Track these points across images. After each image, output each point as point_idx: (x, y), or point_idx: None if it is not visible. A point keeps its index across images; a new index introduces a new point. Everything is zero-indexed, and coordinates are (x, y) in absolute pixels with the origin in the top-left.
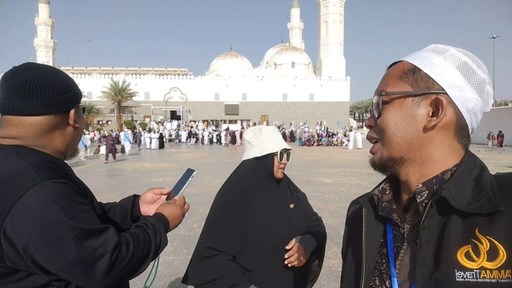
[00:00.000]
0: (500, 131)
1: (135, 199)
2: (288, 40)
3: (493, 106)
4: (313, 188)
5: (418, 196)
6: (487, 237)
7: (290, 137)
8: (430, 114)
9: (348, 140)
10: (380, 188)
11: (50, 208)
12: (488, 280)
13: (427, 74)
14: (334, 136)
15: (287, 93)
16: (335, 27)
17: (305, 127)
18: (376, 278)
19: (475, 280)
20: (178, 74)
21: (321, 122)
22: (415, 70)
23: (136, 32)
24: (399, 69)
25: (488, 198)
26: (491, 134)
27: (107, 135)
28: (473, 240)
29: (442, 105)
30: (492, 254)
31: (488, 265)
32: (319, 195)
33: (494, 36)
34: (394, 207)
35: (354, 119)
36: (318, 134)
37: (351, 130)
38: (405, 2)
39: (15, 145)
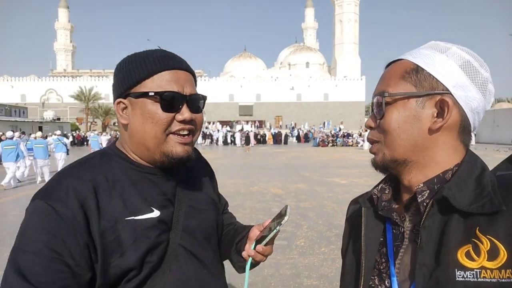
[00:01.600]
0: None
1: (248, 232)
2: (302, 40)
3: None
4: (327, 189)
5: (419, 196)
6: (488, 236)
7: (304, 138)
8: (435, 115)
9: (363, 141)
10: (380, 187)
11: (19, 238)
12: (489, 280)
13: (430, 74)
14: (349, 136)
15: (301, 93)
16: (350, 26)
17: (321, 127)
18: (376, 277)
19: (475, 279)
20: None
21: (340, 128)
22: (417, 69)
23: (153, 34)
24: (400, 68)
25: (489, 198)
26: None
27: (111, 136)
28: (474, 239)
29: (448, 106)
30: (493, 254)
31: (489, 264)
32: (333, 195)
33: None
34: (394, 206)
35: None
36: (332, 135)
37: (366, 130)
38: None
39: (112, 144)
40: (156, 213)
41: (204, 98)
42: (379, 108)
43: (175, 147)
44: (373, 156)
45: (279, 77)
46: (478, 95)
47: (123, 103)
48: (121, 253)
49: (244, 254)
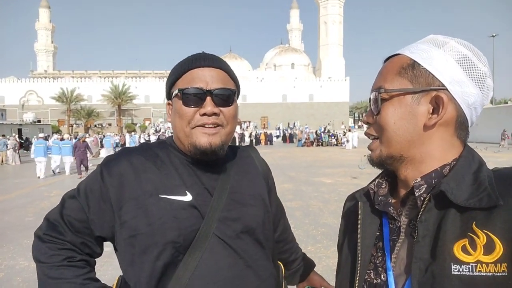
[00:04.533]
0: None
1: (310, 270)
2: (287, 42)
3: (492, 104)
4: (313, 188)
5: (417, 190)
6: (484, 231)
7: (289, 138)
8: (431, 111)
9: (347, 141)
10: (376, 182)
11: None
12: (484, 274)
13: (426, 70)
14: (334, 136)
15: (287, 94)
16: (334, 28)
17: (306, 128)
18: (371, 271)
19: (471, 273)
20: None
21: (325, 128)
22: (414, 65)
23: (135, 35)
24: (397, 64)
25: (487, 193)
26: (506, 133)
27: (79, 139)
28: (470, 234)
29: (443, 102)
30: (489, 248)
31: (485, 258)
32: (319, 195)
33: (494, 35)
34: (391, 201)
35: (354, 119)
36: (317, 134)
37: (349, 131)
38: (403, 1)
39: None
40: (189, 197)
41: (233, 91)
42: (376, 104)
43: (199, 138)
44: (369, 152)
45: (264, 78)
46: (475, 90)
47: (170, 103)
48: (148, 224)
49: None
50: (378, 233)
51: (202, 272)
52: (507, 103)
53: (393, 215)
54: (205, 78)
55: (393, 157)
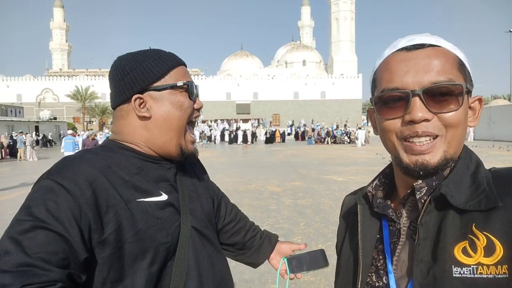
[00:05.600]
0: None
1: (275, 242)
2: (299, 39)
3: (510, 102)
4: (325, 186)
5: (418, 192)
6: (484, 232)
7: (301, 136)
8: (471, 113)
9: (357, 138)
10: (374, 184)
11: (21, 207)
12: (485, 276)
13: (469, 71)
14: (347, 134)
15: (298, 92)
16: (346, 25)
17: (318, 125)
18: (373, 274)
19: (472, 276)
20: (191, 74)
21: (337, 126)
22: (462, 63)
23: (149, 33)
24: (451, 57)
25: (485, 194)
26: None
27: (87, 137)
28: (470, 236)
29: (482, 106)
30: (489, 250)
31: (485, 260)
32: (330, 193)
33: (510, 30)
34: (389, 203)
35: (367, 116)
36: (329, 132)
37: (360, 128)
38: None
39: (109, 139)
40: (164, 197)
41: (197, 87)
42: (452, 97)
43: (188, 144)
44: (419, 156)
45: (276, 75)
46: None
47: (141, 98)
48: (135, 231)
49: (274, 263)
50: (378, 236)
51: (193, 269)
52: None
53: (392, 217)
54: (188, 75)
55: (452, 160)
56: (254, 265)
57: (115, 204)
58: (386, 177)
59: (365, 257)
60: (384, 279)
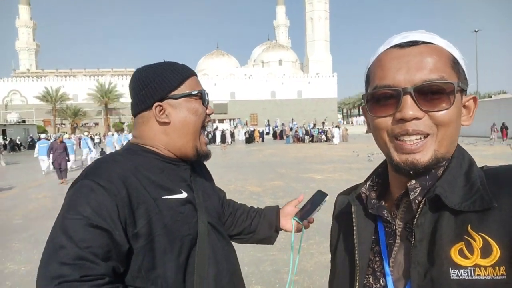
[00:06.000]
0: (503, 123)
1: (278, 211)
2: (274, 38)
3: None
4: (304, 184)
5: (412, 193)
6: (480, 233)
7: (280, 135)
8: (464, 112)
9: (333, 137)
10: (368, 185)
11: (65, 205)
12: (483, 278)
13: (463, 69)
14: (324, 132)
15: (275, 91)
16: (320, 24)
17: (295, 124)
18: (370, 276)
19: (470, 277)
20: None
21: (314, 124)
22: (456, 61)
23: (122, 32)
24: (444, 55)
25: (479, 195)
26: (495, 127)
27: (55, 139)
28: (466, 237)
29: (476, 105)
30: (486, 251)
31: (483, 262)
32: (310, 191)
33: (477, 30)
34: (383, 203)
35: (342, 115)
36: (307, 131)
37: (337, 126)
38: None
39: (131, 143)
40: (184, 194)
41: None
42: (443, 96)
43: (203, 146)
44: (409, 155)
45: (253, 74)
46: None
47: (161, 105)
48: (163, 225)
49: (287, 227)
50: (374, 237)
51: (212, 259)
52: (491, 97)
53: (387, 218)
54: (200, 84)
55: (444, 159)
56: (270, 239)
57: (145, 201)
58: (379, 177)
59: (362, 259)
60: (381, 281)
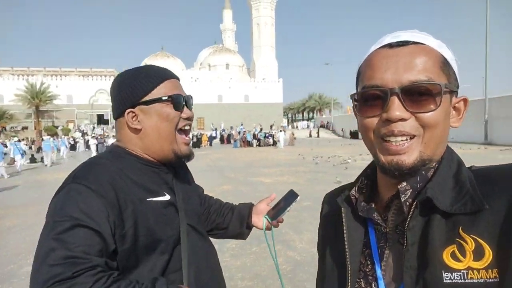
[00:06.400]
0: None
1: (250, 208)
2: (221, 42)
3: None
4: (252, 188)
5: (402, 195)
6: (472, 235)
7: (227, 139)
8: (453, 113)
9: (279, 140)
10: (357, 187)
11: (52, 210)
12: (476, 281)
13: (454, 70)
14: (271, 136)
15: (222, 95)
16: (266, 30)
17: (242, 128)
18: (361, 280)
19: (463, 281)
20: (105, 75)
21: (261, 128)
22: (446, 62)
23: (58, 29)
24: (434, 56)
25: (470, 196)
26: None
27: None
28: (458, 239)
29: (467, 107)
30: (478, 254)
31: (475, 265)
32: (259, 195)
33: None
34: (373, 205)
35: (288, 119)
36: (255, 135)
37: (282, 130)
38: (332, 5)
39: (115, 145)
40: (167, 197)
41: (192, 98)
42: (430, 97)
43: (181, 147)
44: (394, 156)
45: (199, 78)
46: None
47: (133, 112)
48: (148, 226)
49: (259, 225)
50: (364, 240)
51: (192, 258)
52: None
53: (378, 221)
54: (178, 87)
55: (430, 160)
56: (242, 235)
57: (132, 202)
58: (368, 178)
59: (353, 262)
60: (373, 285)
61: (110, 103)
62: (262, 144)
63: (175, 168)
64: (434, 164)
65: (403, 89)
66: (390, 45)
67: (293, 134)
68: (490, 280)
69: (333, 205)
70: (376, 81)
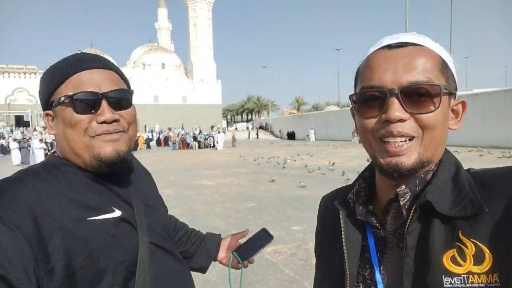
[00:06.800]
0: None
1: (219, 243)
2: (156, 41)
3: (339, 108)
4: (196, 191)
5: (402, 199)
6: (472, 239)
7: (164, 142)
8: (452, 115)
9: (217, 142)
10: (355, 190)
11: None
12: (477, 285)
13: (452, 73)
14: (211, 138)
15: (159, 96)
16: (204, 30)
17: (181, 129)
18: (360, 284)
19: (463, 285)
20: (25, 73)
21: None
22: (445, 64)
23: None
24: (433, 57)
25: (469, 200)
26: (355, 132)
27: None
28: (458, 243)
29: (465, 109)
30: (478, 258)
31: (476, 269)
32: (202, 198)
33: (338, 48)
34: (371, 208)
35: (227, 121)
36: (195, 137)
37: (222, 132)
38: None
39: (50, 155)
40: (118, 213)
41: (130, 92)
42: (430, 98)
43: (103, 148)
44: (393, 157)
45: (133, 77)
46: None
47: (50, 114)
48: (88, 254)
49: (225, 261)
50: (363, 243)
51: (154, 282)
52: (349, 106)
53: (376, 225)
54: (95, 81)
55: (429, 162)
56: (203, 269)
57: (61, 227)
58: (366, 181)
59: (351, 266)
60: None
61: (30, 103)
62: (202, 146)
63: (131, 175)
64: (432, 167)
65: (403, 89)
66: (389, 46)
67: (233, 136)
68: (491, 285)
69: (331, 208)
70: (375, 81)
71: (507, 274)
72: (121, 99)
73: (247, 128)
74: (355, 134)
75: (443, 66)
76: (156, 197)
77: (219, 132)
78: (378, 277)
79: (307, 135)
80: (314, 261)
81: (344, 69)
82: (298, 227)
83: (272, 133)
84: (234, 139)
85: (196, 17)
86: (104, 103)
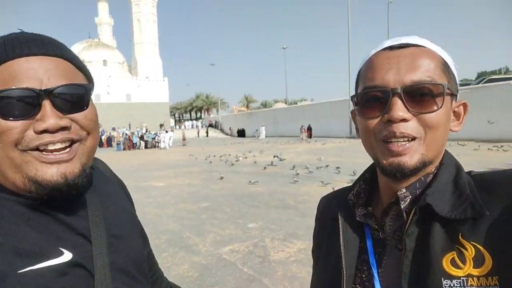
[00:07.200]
0: (309, 125)
1: None
2: (97, 36)
3: (286, 105)
4: (145, 194)
5: (402, 202)
6: (472, 242)
7: (107, 142)
8: (453, 117)
9: (163, 141)
10: (355, 191)
11: None
12: None
13: (454, 74)
14: (156, 136)
15: (100, 94)
16: (148, 26)
17: (126, 129)
18: (358, 286)
19: None
20: None
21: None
22: (447, 65)
23: None
24: (436, 58)
25: (469, 202)
26: (303, 128)
27: None
28: (458, 246)
29: (466, 111)
30: (478, 261)
31: (475, 272)
32: (153, 200)
33: (285, 47)
34: (371, 210)
35: (175, 119)
36: (141, 137)
37: (170, 131)
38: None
39: None
40: (67, 255)
41: (87, 87)
42: (433, 98)
43: (40, 169)
44: (395, 157)
45: None
46: None
47: None
48: None
49: None
50: (361, 245)
51: None
52: (296, 103)
53: (375, 227)
54: (37, 73)
55: (431, 162)
56: None
57: None
58: (366, 183)
59: (349, 268)
60: None
61: None
62: (149, 146)
63: (93, 194)
64: (433, 170)
65: (405, 89)
66: (391, 47)
67: (184, 134)
68: None
69: (330, 209)
70: (378, 81)
71: (507, 277)
72: (75, 97)
73: (197, 126)
74: (303, 130)
75: (445, 67)
76: (128, 222)
77: (166, 132)
78: (376, 279)
79: (256, 130)
80: (271, 257)
81: (291, 67)
82: (254, 224)
83: (222, 131)
84: (184, 138)
85: (140, 13)
86: (46, 104)
